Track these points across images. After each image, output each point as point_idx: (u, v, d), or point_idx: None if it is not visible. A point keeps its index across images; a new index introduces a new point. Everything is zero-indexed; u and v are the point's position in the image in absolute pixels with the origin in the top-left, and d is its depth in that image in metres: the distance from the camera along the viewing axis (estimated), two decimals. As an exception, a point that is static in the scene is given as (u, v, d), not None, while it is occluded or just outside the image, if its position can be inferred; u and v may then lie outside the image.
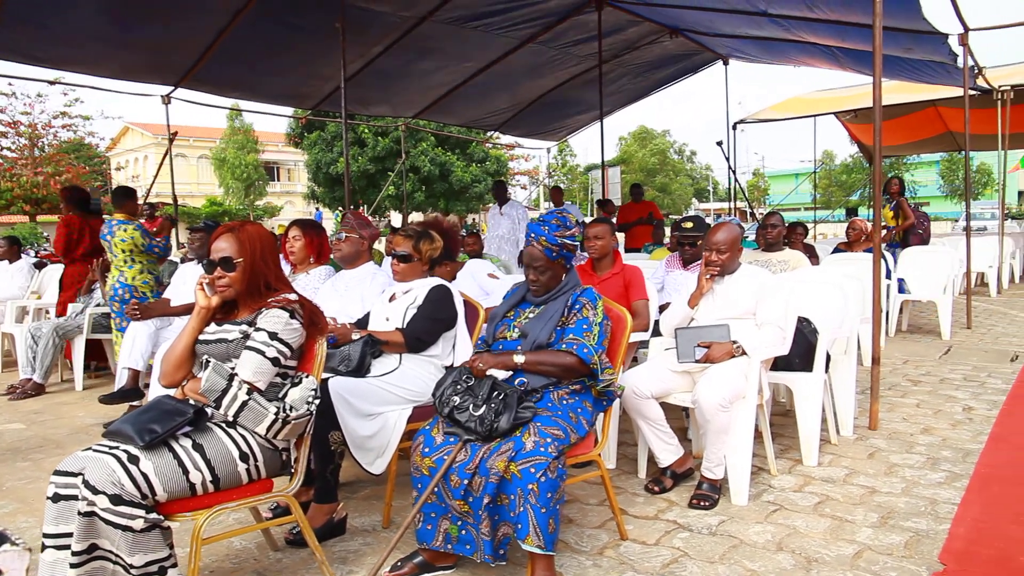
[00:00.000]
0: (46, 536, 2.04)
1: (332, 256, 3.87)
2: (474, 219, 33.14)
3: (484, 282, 5.05)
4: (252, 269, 2.38)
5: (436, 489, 2.41)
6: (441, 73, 9.77)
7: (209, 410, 2.28)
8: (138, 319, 4.52)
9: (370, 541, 2.86)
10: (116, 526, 1.99)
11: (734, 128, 11.92)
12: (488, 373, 2.57)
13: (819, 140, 15.44)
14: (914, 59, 7.54)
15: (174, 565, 2.13)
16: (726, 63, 10.44)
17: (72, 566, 1.98)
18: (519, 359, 2.58)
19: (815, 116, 13.00)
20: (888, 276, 6.61)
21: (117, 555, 2.03)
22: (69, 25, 6.72)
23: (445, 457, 2.41)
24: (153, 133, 40.28)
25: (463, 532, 2.40)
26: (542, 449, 2.29)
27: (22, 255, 7.25)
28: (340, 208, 26.05)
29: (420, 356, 3.16)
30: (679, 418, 3.97)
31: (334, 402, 2.84)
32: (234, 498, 2.25)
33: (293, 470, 2.44)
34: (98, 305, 5.88)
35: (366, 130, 25.83)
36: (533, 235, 2.71)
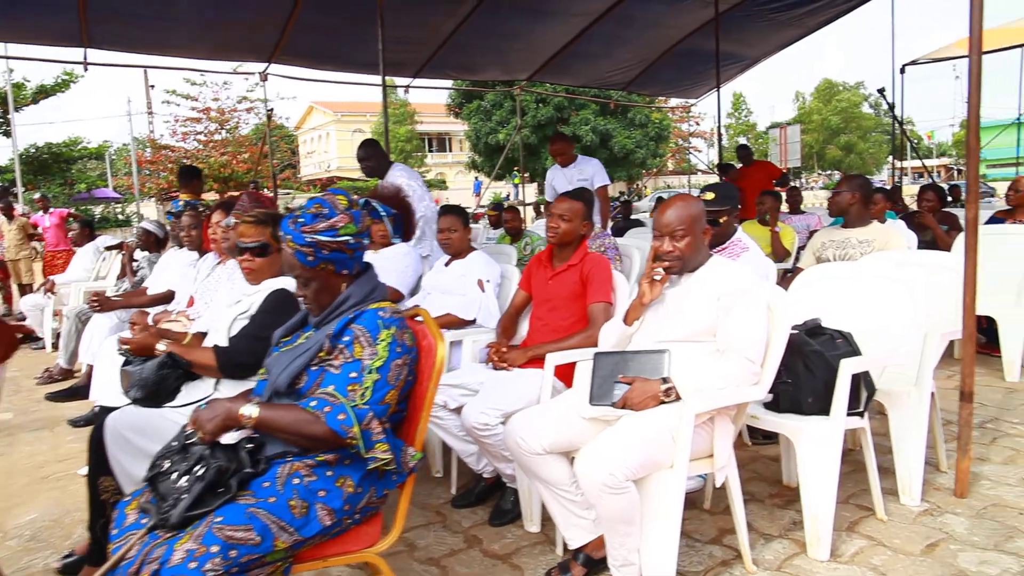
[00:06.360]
0: None
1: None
2: (637, 185, 31.19)
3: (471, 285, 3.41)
4: None
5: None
6: (550, 29, 8.84)
7: None
8: (98, 311, 4.22)
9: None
10: None
11: (902, 72, 9.77)
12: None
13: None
14: None
15: None
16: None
17: None
18: (250, 412, 1.75)
19: (1019, 47, 10.29)
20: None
21: None
22: (152, 8, 6.67)
23: (123, 547, 1.68)
24: (334, 111, 42.63)
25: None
26: (192, 566, 1.48)
27: (93, 238, 7.44)
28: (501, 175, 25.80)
29: (247, 382, 2.43)
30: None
31: (106, 440, 2.23)
32: None
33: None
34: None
35: (527, 97, 25.16)
36: (282, 234, 1.87)
